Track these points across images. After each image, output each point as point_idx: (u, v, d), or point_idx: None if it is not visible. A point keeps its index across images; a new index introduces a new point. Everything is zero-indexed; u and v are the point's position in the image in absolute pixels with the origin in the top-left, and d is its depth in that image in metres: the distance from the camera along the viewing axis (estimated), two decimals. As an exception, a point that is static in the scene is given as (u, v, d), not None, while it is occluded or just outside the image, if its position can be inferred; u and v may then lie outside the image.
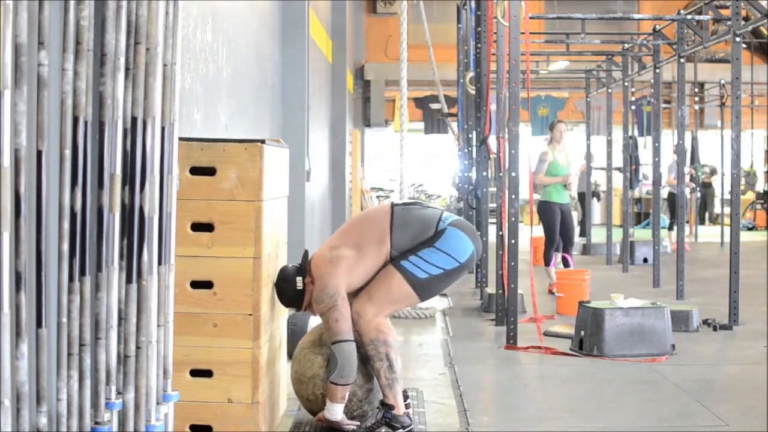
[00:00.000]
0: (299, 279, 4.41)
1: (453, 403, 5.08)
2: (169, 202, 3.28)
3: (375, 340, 4.33)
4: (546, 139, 10.13)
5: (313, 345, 4.47)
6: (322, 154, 11.73)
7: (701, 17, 9.27)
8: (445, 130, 17.69)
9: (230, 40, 5.81)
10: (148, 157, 3.08)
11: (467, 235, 4.42)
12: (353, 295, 4.41)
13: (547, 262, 9.68)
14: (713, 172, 20.27)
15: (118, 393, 2.98)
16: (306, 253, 4.51)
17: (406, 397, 4.61)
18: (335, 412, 4.33)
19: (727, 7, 9.24)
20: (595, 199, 17.93)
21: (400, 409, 4.37)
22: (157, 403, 3.16)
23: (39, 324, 2.49)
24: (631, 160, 13.21)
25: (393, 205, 4.50)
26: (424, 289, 4.36)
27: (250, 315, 3.96)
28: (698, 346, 6.92)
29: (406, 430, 4.36)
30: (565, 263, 9.75)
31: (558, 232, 9.62)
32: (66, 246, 2.68)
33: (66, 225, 2.68)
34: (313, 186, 9.58)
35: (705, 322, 7.60)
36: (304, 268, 4.44)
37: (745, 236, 10.36)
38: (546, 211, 9.65)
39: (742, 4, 8.14)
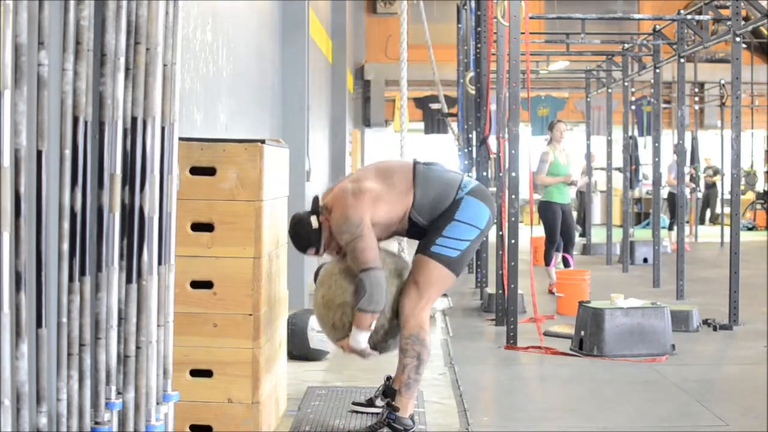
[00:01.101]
0: (314, 218, 4.39)
1: (453, 403, 5.08)
2: (169, 202, 3.28)
3: (414, 336, 4.33)
4: (546, 139, 10.13)
5: (346, 273, 4.34)
6: (322, 154, 11.73)
7: (701, 17, 9.27)
8: (445, 130, 17.69)
9: (230, 40, 5.81)
10: (148, 157, 3.08)
11: (483, 202, 4.44)
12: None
13: (548, 262, 9.68)
14: (716, 172, 20.26)
15: (118, 393, 2.98)
16: (316, 198, 4.48)
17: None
18: (360, 340, 4.26)
19: (727, 7, 9.24)
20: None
21: (406, 411, 4.36)
22: (157, 403, 3.16)
23: (39, 324, 2.49)
24: (631, 160, 13.22)
25: (415, 162, 4.50)
26: (459, 264, 4.39)
27: (250, 315, 3.96)
28: (698, 346, 6.92)
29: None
30: (566, 263, 9.75)
31: (559, 232, 9.63)
32: (66, 246, 2.68)
33: (66, 225, 2.68)
34: (313, 186, 9.58)
35: (705, 322, 7.60)
36: (316, 210, 4.40)
37: (745, 236, 10.36)
38: (547, 210, 9.65)
39: (742, 4, 8.14)
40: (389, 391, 4.65)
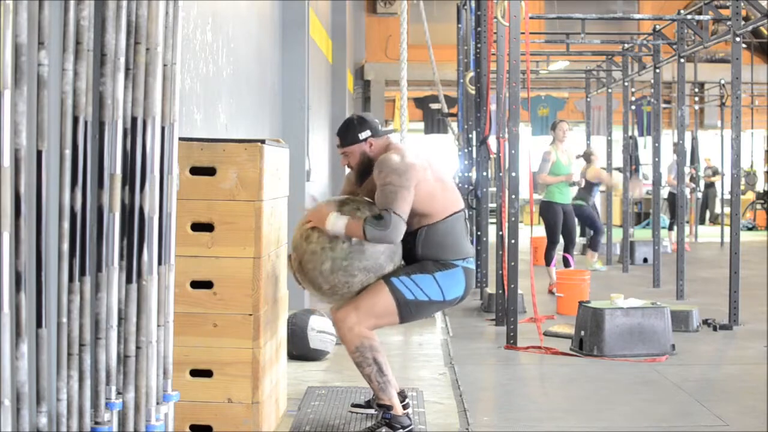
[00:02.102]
0: (367, 132, 4.43)
1: (453, 403, 5.08)
2: (169, 202, 3.28)
3: (360, 347, 4.32)
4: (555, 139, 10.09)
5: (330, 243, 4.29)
6: (322, 154, 11.73)
7: (701, 17, 9.27)
8: (445, 130, 17.71)
9: (230, 40, 5.81)
10: (148, 157, 3.08)
11: (466, 283, 4.46)
12: None
13: (548, 262, 9.68)
14: (715, 172, 20.27)
15: (118, 393, 2.98)
16: (388, 130, 4.53)
17: (404, 398, 4.61)
18: (336, 228, 4.23)
19: (727, 7, 9.26)
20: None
21: (397, 409, 4.37)
22: (157, 403, 3.16)
23: (39, 324, 2.49)
24: (631, 160, 13.22)
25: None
26: (408, 310, 4.37)
27: (250, 315, 3.96)
28: (698, 346, 6.92)
29: (406, 430, 4.35)
30: (566, 263, 9.75)
31: (560, 232, 9.63)
32: (66, 246, 2.68)
33: (66, 225, 2.68)
34: (313, 186, 9.57)
35: (705, 322, 7.60)
36: (374, 131, 4.44)
37: (745, 236, 10.37)
38: (548, 210, 9.66)
39: (742, 4, 8.13)
40: None
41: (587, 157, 11.35)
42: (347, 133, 4.46)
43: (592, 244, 11.59)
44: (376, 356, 4.34)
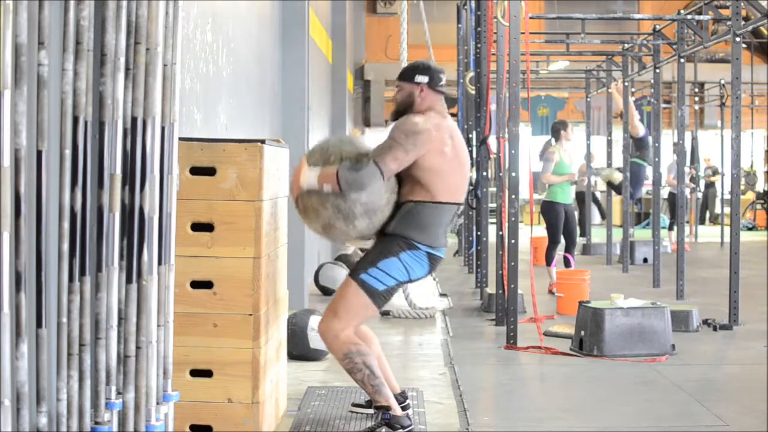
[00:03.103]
0: (425, 78, 4.43)
1: (453, 403, 5.08)
2: (169, 202, 3.28)
3: (348, 353, 4.33)
4: (565, 138, 10.08)
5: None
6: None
7: (701, 17, 9.27)
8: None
9: (230, 40, 5.81)
10: (148, 157, 3.08)
11: (431, 265, 4.44)
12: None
13: (549, 262, 9.69)
14: (715, 172, 20.28)
15: (118, 393, 2.98)
16: (450, 97, 4.56)
17: (405, 398, 4.62)
18: (309, 181, 4.23)
19: (727, 7, 9.26)
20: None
21: (396, 409, 4.36)
22: (157, 403, 3.16)
23: (39, 324, 2.49)
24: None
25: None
26: (382, 299, 4.39)
27: (250, 315, 3.96)
28: (698, 346, 6.92)
29: (406, 430, 4.35)
30: (567, 263, 9.75)
31: (561, 232, 9.64)
32: (66, 246, 2.68)
33: (66, 225, 2.68)
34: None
35: (705, 322, 7.60)
36: (436, 81, 4.44)
37: (745, 236, 10.36)
38: (550, 210, 9.67)
39: (742, 4, 8.13)
40: None
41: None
42: (409, 69, 4.51)
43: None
44: (366, 360, 4.33)
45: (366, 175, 4.17)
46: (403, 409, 4.60)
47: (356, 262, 4.45)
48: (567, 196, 9.69)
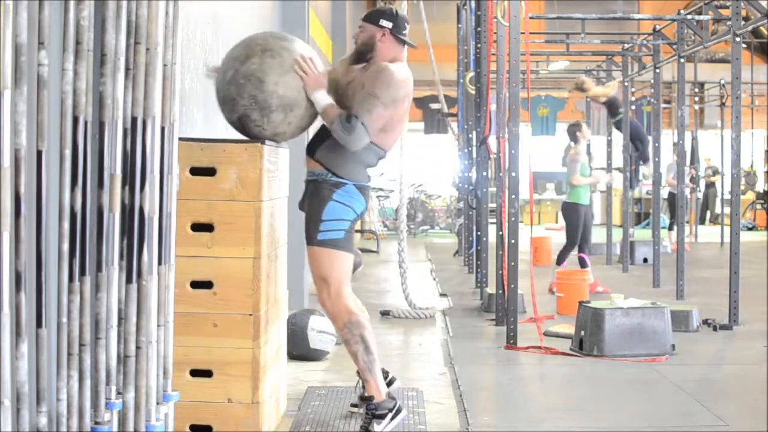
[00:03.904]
0: (389, 24, 4.42)
1: (453, 403, 5.08)
2: (169, 202, 3.29)
3: (348, 323, 4.35)
4: (585, 139, 10.15)
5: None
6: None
7: (701, 17, 9.27)
8: (445, 130, 17.72)
9: (230, 40, 5.80)
10: (148, 157, 3.08)
11: (363, 195, 4.43)
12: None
13: (560, 262, 9.72)
14: (715, 172, 20.28)
15: (118, 393, 2.98)
16: (409, 43, 4.52)
17: (386, 374, 4.64)
18: (323, 100, 4.21)
19: (727, 7, 9.24)
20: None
21: (381, 393, 4.36)
22: (157, 403, 3.16)
23: (39, 324, 2.49)
24: (631, 160, 13.21)
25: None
26: (347, 243, 4.38)
27: (250, 315, 3.96)
28: (698, 346, 6.92)
29: (394, 411, 4.35)
30: (583, 263, 9.77)
31: (580, 234, 9.69)
32: (66, 246, 2.68)
33: (66, 225, 2.68)
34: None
35: (705, 322, 7.60)
36: (399, 29, 4.43)
37: (745, 236, 10.35)
38: (574, 212, 9.72)
39: (742, 4, 8.13)
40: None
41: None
42: (376, 12, 4.51)
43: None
44: (363, 333, 4.36)
45: (354, 140, 4.21)
46: (388, 385, 4.58)
47: (305, 231, 4.39)
48: (587, 197, 9.76)
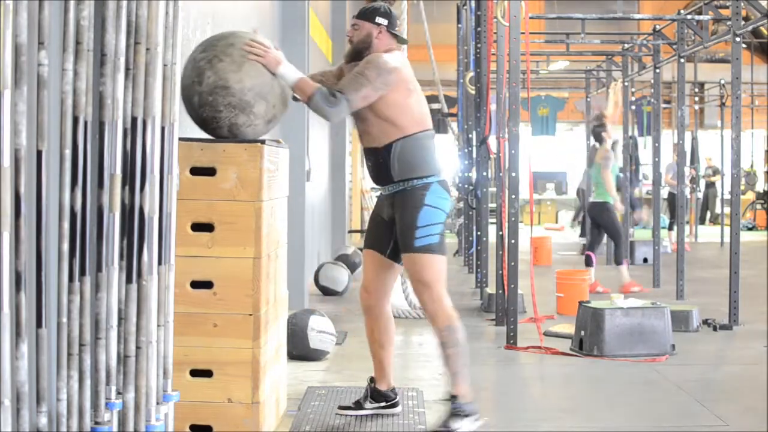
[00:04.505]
0: (385, 21, 4.51)
1: (453, 403, 5.07)
2: (169, 202, 3.29)
3: (450, 327, 4.44)
4: (610, 140, 10.18)
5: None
6: (322, 154, 11.73)
7: (701, 17, 9.27)
8: (445, 130, 17.73)
9: (230, 40, 5.80)
10: (148, 157, 3.08)
11: (447, 190, 4.53)
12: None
13: (619, 261, 9.73)
14: (715, 172, 20.28)
15: (118, 393, 2.98)
16: (403, 39, 4.61)
17: (395, 395, 4.73)
18: (290, 74, 4.20)
19: (727, 7, 9.25)
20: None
21: (466, 397, 4.41)
22: (157, 403, 3.16)
23: (39, 324, 2.49)
24: (631, 160, 13.22)
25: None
26: (443, 245, 4.49)
27: (250, 315, 3.96)
28: (698, 346, 6.92)
29: (475, 417, 4.39)
30: (589, 262, 9.79)
31: (621, 228, 9.74)
32: (66, 246, 2.68)
33: (66, 225, 2.68)
34: (313, 186, 9.57)
35: (705, 322, 7.60)
36: (391, 25, 4.52)
37: (745, 236, 10.36)
38: (605, 211, 9.78)
39: (742, 4, 8.13)
40: (375, 392, 4.68)
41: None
42: (370, 9, 4.55)
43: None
44: (460, 339, 4.46)
45: (335, 113, 4.29)
46: (393, 406, 4.67)
47: (401, 239, 4.47)
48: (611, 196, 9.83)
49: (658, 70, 10.69)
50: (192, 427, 3.96)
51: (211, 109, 4.02)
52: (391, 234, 4.56)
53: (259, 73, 4.09)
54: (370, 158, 4.51)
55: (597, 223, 9.99)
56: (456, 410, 4.38)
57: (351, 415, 4.68)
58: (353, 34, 4.54)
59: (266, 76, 4.11)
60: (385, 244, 4.61)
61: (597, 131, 10.09)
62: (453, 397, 4.42)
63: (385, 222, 4.59)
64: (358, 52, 4.51)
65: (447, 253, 4.59)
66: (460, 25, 13.00)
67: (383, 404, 4.70)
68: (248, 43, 4.10)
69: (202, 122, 4.11)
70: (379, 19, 4.49)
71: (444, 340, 4.45)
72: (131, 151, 3.02)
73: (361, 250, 7.85)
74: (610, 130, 10.05)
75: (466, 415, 4.38)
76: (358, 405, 4.71)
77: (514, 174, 7.02)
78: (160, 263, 3.19)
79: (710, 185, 21.10)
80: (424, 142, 4.48)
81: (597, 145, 10.24)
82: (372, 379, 4.72)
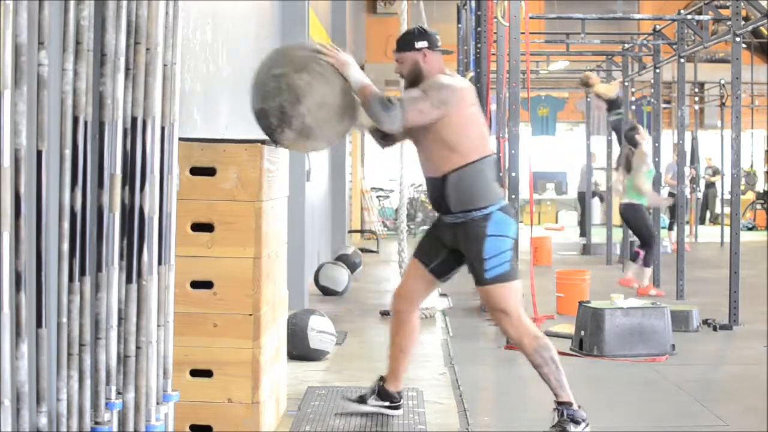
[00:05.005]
0: (424, 43, 4.43)
1: (453, 403, 5.08)
2: (169, 202, 3.29)
3: (538, 348, 4.39)
4: (643, 141, 10.17)
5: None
6: (322, 154, 11.73)
7: (701, 17, 9.27)
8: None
9: (230, 40, 5.81)
10: (148, 157, 3.08)
11: (509, 214, 4.48)
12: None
13: (648, 263, 9.71)
14: (715, 172, 20.27)
15: (118, 393, 2.98)
16: (445, 51, 4.55)
17: (400, 397, 4.71)
18: (356, 76, 4.21)
19: (727, 7, 9.25)
20: (597, 198, 17.98)
21: (574, 404, 4.42)
22: (157, 403, 3.16)
23: (39, 324, 2.49)
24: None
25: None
26: (514, 270, 4.45)
27: (250, 315, 3.96)
28: (698, 346, 6.92)
29: (586, 423, 4.40)
30: (636, 258, 9.82)
31: (651, 228, 9.75)
32: (66, 246, 2.68)
33: (66, 225, 2.68)
34: (313, 186, 9.57)
35: (705, 322, 7.60)
36: (432, 44, 4.45)
37: (745, 236, 10.35)
38: (636, 210, 9.74)
39: (742, 4, 8.13)
40: (383, 391, 4.67)
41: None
42: (404, 40, 4.50)
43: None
44: (552, 355, 4.42)
45: (389, 118, 4.20)
46: (396, 408, 4.67)
47: (471, 271, 4.45)
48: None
49: (658, 70, 10.69)
50: (192, 427, 3.96)
51: (274, 90, 4.08)
52: (444, 256, 4.55)
53: (323, 122, 4.14)
54: (429, 187, 4.49)
55: (629, 225, 9.98)
56: (571, 416, 4.38)
57: (353, 409, 4.68)
58: (400, 68, 4.50)
59: (323, 132, 4.17)
60: (432, 260, 4.59)
61: (630, 134, 10.03)
62: (561, 404, 4.41)
63: (441, 243, 4.55)
64: (413, 83, 4.45)
65: (519, 275, 4.53)
66: (460, 25, 12.99)
67: (387, 404, 4.70)
68: (322, 45, 4.22)
69: (257, 85, 4.17)
70: (418, 44, 4.43)
71: (536, 362, 4.42)
72: (131, 151, 3.02)
73: (361, 250, 7.93)
74: (644, 132, 9.99)
75: (581, 421, 4.37)
76: (362, 399, 4.71)
77: (514, 174, 7.02)
78: (160, 263, 3.19)
79: (710, 185, 21.09)
80: (483, 170, 4.39)
81: (632, 148, 10.17)
82: (382, 378, 4.72)
